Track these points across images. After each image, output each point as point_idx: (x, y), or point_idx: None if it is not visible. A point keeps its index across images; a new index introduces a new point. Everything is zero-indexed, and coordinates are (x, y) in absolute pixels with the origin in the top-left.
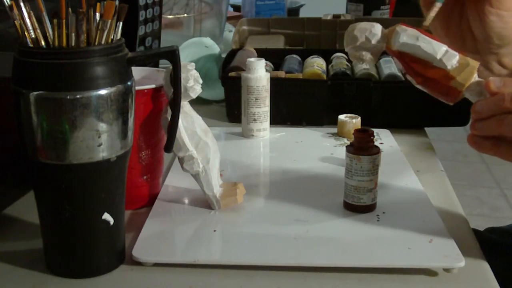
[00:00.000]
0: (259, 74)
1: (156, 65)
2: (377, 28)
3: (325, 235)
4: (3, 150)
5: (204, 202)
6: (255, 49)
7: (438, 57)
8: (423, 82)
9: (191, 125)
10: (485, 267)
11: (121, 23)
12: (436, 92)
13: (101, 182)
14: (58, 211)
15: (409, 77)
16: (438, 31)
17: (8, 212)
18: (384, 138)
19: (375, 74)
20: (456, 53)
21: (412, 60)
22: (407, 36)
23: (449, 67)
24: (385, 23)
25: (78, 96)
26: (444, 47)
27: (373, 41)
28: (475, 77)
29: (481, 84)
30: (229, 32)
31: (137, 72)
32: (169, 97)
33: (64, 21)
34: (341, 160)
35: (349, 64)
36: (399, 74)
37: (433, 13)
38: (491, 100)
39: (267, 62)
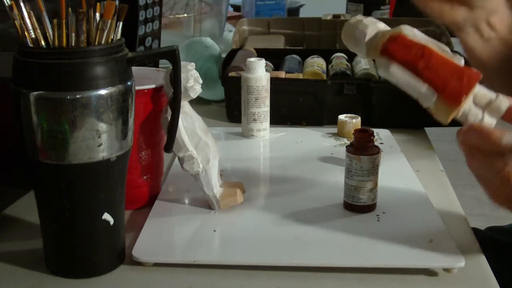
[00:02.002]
0: (259, 74)
1: (156, 65)
2: (371, 31)
3: (325, 235)
4: (3, 150)
5: (204, 202)
6: (255, 49)
7: (415, 96)
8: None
9: (191, 125)
10: (485, 267)
11: (121, 23)
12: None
13: (101, 182)
14: (58, 211)
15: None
16: None
17: (8, 212)
18: (384, 138)
19: (375, 74)
20: (434, 95)
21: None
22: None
23: (425, 106)
24: (384, 23)
25: (78, 96)
26: (423, 88)
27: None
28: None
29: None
30: (229, 32)
31: (137, 72)
32: (169, 97)
33: (64, 21)
34: (341, 160)
35: (349, 64)
36: None
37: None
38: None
39: (267, 62)
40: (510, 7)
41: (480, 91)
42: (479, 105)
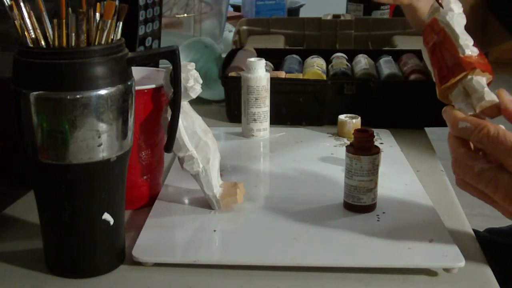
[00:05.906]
0: (259, 74)
1: (156, 65)
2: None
3: (325, 235)
4: (3, 150)
5: (204, 202)
6: (255, 49)
7: None
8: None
9: (191, 125)
10: (485, 267)
11: (121, 23)
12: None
13: (101, 182)
14: (58, 211)
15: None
16: None
17: (8, 212)
18: (384, 138)
19: (375, 74)
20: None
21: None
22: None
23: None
24: (385, 23)
25: (78, 96)
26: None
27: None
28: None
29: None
30: (229, 32)
31: (137, 72)
32: (169, 97)
33: (64, 21)
34: (341, 160)
35: (349, 64)
36: (399, 74)
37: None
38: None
39: (267, 62)
40: None
41: (474, 82)
42: (468, 94)
